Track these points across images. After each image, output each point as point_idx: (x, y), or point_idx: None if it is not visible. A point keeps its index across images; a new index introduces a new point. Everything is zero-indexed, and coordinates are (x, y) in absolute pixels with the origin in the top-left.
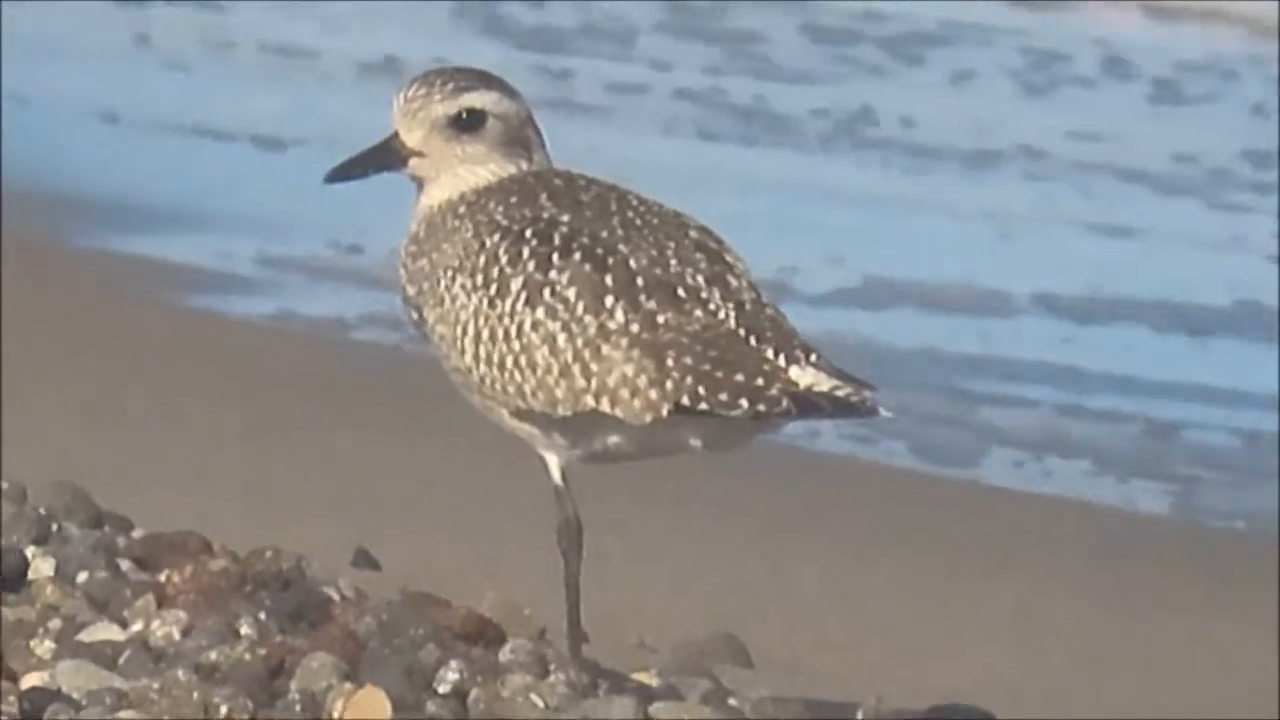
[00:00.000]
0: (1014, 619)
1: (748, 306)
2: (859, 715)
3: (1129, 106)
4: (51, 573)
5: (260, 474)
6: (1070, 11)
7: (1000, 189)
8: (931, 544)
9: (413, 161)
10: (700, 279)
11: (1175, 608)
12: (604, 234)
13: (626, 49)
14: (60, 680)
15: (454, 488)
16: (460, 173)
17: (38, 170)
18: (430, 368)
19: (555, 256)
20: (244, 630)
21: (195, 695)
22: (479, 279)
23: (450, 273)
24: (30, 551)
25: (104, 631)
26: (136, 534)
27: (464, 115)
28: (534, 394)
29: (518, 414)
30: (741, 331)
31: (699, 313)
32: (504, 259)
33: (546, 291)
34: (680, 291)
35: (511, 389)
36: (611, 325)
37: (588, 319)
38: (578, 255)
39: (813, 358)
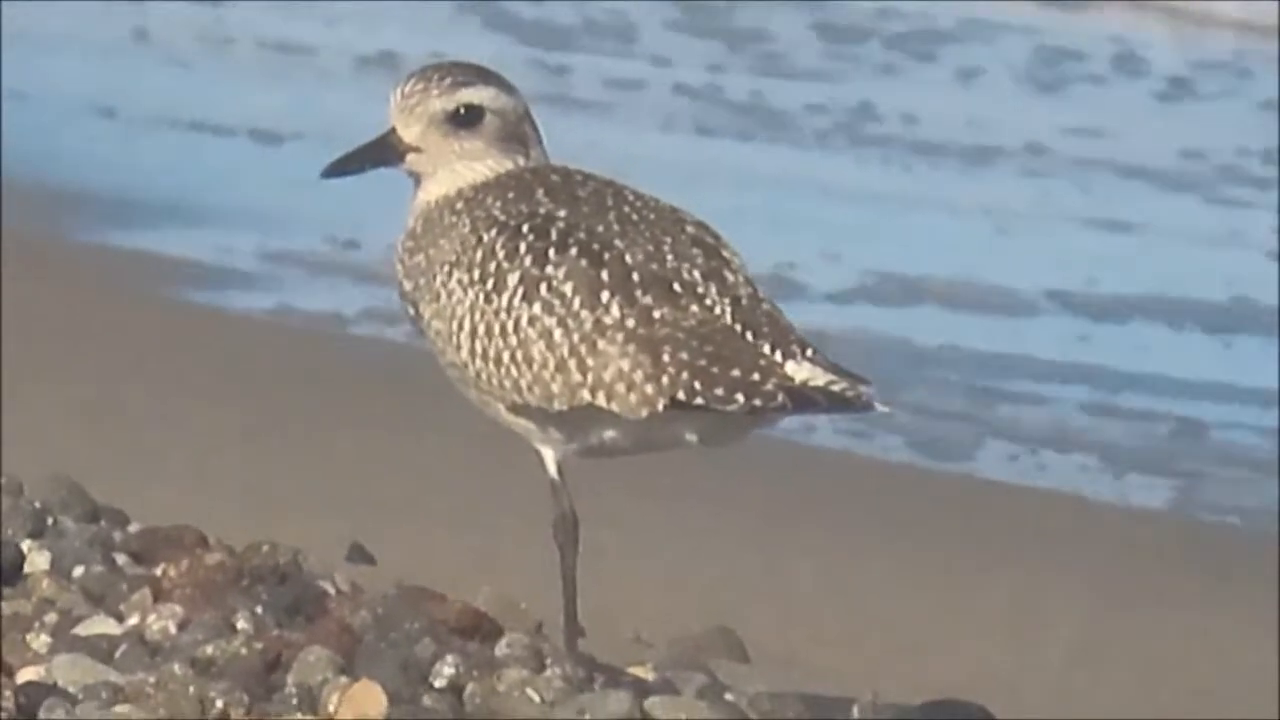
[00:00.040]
0: (1011, 614)
1: (744, 301)
2: (855, 710)
3: (1137, 104)
4: (47, 566)
5: (256, 469)
6: (1089, 10)
7: (999, 185)
8: (928, 539)
9: (410, 157)
10: (697, 274)
11: (1173, 603)
12: (600, 229)
13: (629, 44)
14: (56, 674)
15: (450, 482)
16: (457, 168)
17: (37, 166)
18: (427, 363)
19: (552, 252)
20: (240, 624)
21: (191, 689)
22: (476, 274)
23: (447, 268)
24: (26, 545)
25: (100, 625)
26: (132, 528)
27: (461, 111)
28: (530, 389)
29: (514, 408)
30: (737, 326)
31: (695, 308)
32: (501, 254)
33: (543, 286)
34: (676, 286)
35: (508, 384)
36: (607, 320)
37: (584, 314)
38: (574, 250)
39: (808, 352)
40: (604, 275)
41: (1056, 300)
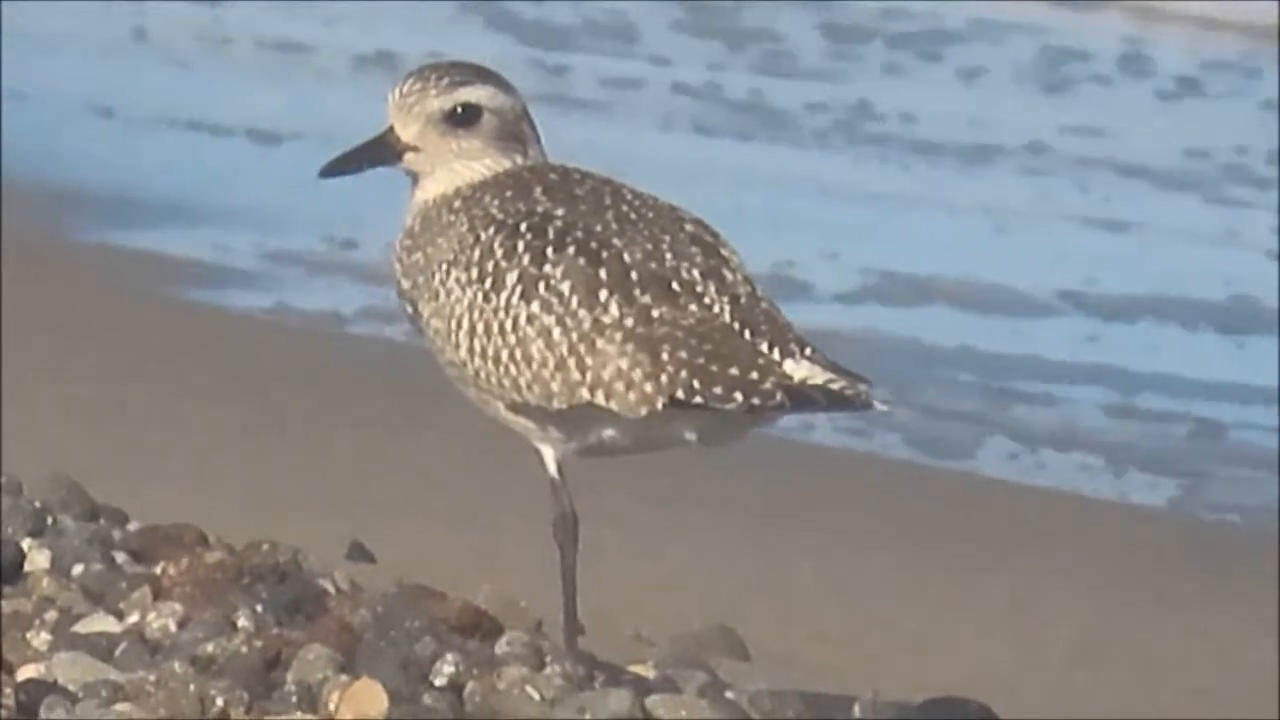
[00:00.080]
0: (1011, 612)
1: (743, 300)
2: (856, 708)
3: (1140, 103)
4: (47, 565)
5: (256, 467)
6: (1100, 11)
7: (998, 184)
8: (928, 537)
9: (408, 156)
10: (695, 273)
11: (1174, 602)
12: (599, 228)
13: (628, 44)
14: (56, 672)
15: (450, 480)
16: (455, 167)
17: (36, 165)
18: (426, 361)
19: (550, 251)
20: (240, 622)
21: (191, 687)
22: (474, 273)
23: (445, 267)
24: (26, 544)
25: (100, 623)
26: (132, 527)
27: (459, 110)
28: (529, 387)
29: (513, 407)
30: (736, 325)
31: (694, 306)
32: (499, 253)
33: (541, 285)
34: (675, 285)
35: (507, 382)
36: (606, 319)
37: (582, 313)
38: (572, 249)
39: (807, 351)
40: (602, 274)
41: (1056, 298)
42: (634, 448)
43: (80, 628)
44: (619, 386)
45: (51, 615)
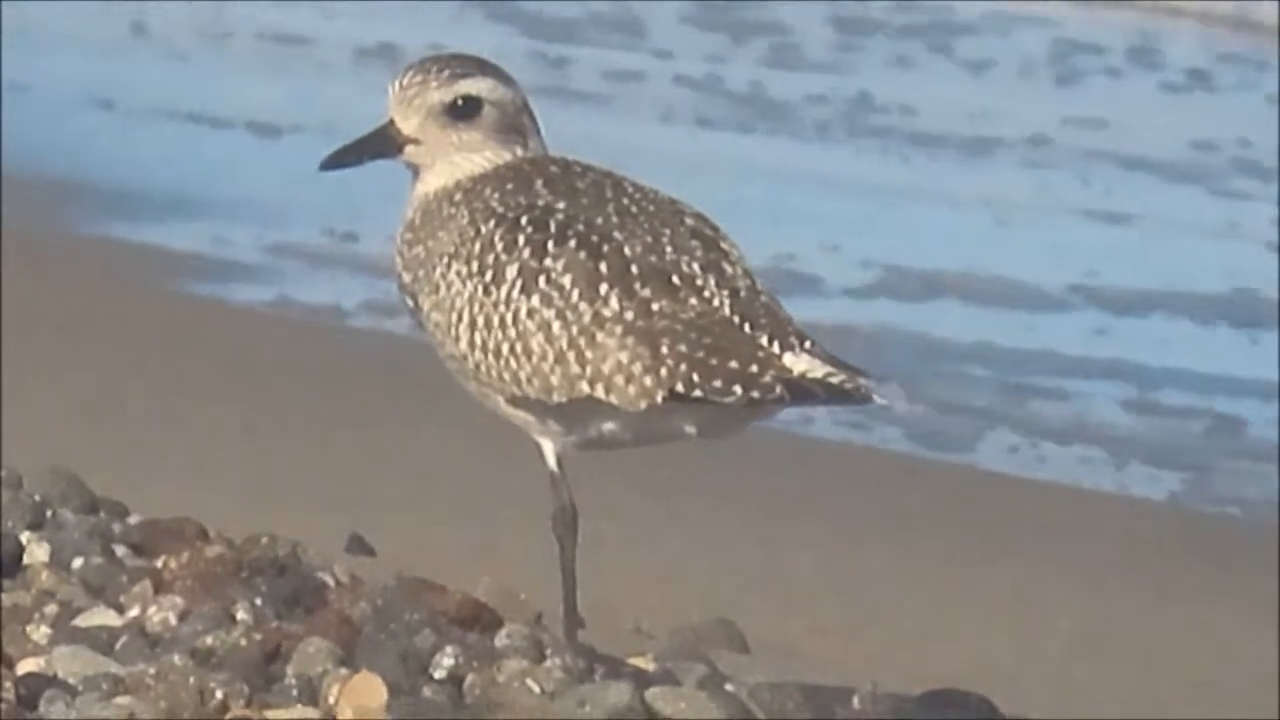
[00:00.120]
0: (1011, 605)
1: (743, 294)
2: (855, 700)
3: (1147, 96)
4: (47, 558)
5: (256, 461)
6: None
7: (1000, 177)
8: (928, 530)
9: (408, 149)
10: (695, 266)
11: (1174, 595)
12: (599, 221)
13: (631, 37)
14: (56, 666)
15: (450, 474)
16: (456, 160)
17: (37, 158)
18: (426, 355)
19: (550, 244)
20: (240, 616)
21: (191, 680)
22: (474, 266)
23: (446, 260)
24: (25, 537)
25: (100, 617)
26: (132, 520)
27: (460, 102)
28: (529, 381)
29: (513, 401)
30: (736, 318)
31: (694, 300)
32: (499, 246)
33: (542, 279)
34: (675, 279)
35: (507, 376)
36: (606, 312)
37: (583, 306)
38: (573, 242)
39: (807, 345)
40: (603, 267)
41: (1056, 291)
42: (634, 441)
43: (80, 621)
44: (619, 380)
45: (51, 609)
